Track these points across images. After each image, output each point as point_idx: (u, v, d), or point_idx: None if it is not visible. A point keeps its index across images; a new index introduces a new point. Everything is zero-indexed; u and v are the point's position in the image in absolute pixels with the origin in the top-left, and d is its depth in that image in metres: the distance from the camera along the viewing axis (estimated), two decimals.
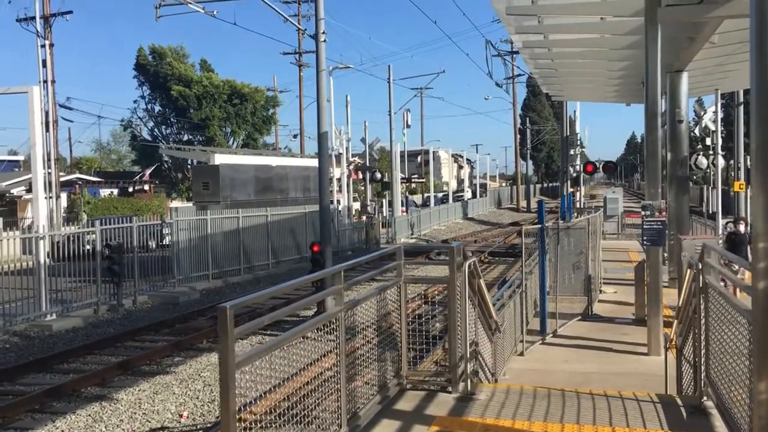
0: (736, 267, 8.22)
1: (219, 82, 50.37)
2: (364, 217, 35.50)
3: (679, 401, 5.91)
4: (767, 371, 3.73)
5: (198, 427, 9.52)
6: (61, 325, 15.50)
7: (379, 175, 37.96)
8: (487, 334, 7.66)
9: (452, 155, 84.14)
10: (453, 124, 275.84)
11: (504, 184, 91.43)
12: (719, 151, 23.35)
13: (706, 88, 20.97)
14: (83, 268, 17.14)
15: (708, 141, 24.02)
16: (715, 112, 22.94)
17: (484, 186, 75.45)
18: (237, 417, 3.37)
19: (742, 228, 13.72)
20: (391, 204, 39.87)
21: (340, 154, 36.13)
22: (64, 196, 41.32)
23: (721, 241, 16.52)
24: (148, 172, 51.86)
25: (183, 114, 50.25)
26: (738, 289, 5.69)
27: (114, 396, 10.56)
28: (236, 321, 3.36)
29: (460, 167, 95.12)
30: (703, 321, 5.58)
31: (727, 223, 26.15)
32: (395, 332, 5.94)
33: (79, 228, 20.17)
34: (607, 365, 9.37)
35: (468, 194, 68.46)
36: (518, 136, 71.39)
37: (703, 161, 23.83)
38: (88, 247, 18.02)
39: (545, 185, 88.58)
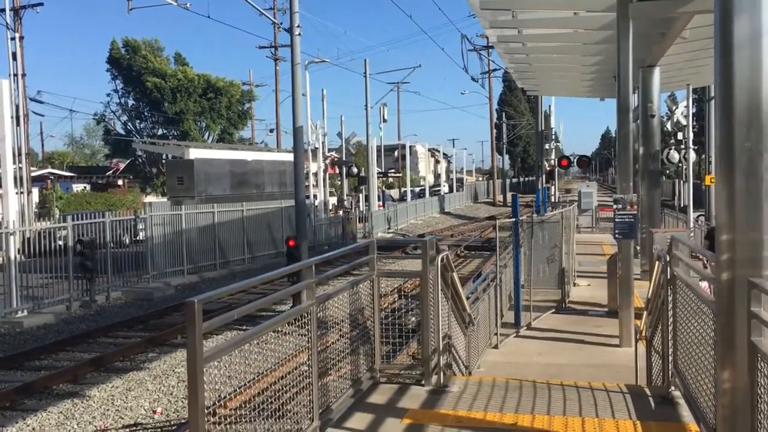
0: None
1: (194, 76, 49.90)
2: (340, 212, 35.47)
3: (647, 391, 6.01)
4: (730, 361, 3.81)
5: (172, 423, 9.46)
6: (32, 322, 15.29)
7: (355, 170, 37.93)
8: (460, 327, 7.71)
9: (429, 150, 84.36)
10: (430, 119, 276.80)
11: (481, 179, 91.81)
12: (691, 145, 23.66)
13: (677, 83, 21.26)
14: (55, 264, 16.92)
15: (680, 135, 24.35)
16: (687, 107, 23.24)
17: (460, 180, 75.69)
18: (206, 412, 3.36)
19: None
20: (367, 198, 39.84)
21: (317, 148, 36.04)
22: (35, 191, 40.70)
23: (692, 235, 16.77)
24: (121, 165, 51.29)
25: (157, 108, 49.73)
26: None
27: (86, 393, 10.46)
28: (209, 316, 3.33)
29: (437, 162, 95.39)
30: (671, 312, 5.66)
31: (698, 216, 26.56)
32: (368, 326, 5.95)
33: (51, 223, 19.88)
34: (580, 357, 9.49)
35: (445, 189, 68.66)
36: (494, 131, 71.72)
37: (675, 155, 24.14)
38: (60, 242, 17.78)
39: (518, 180, 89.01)
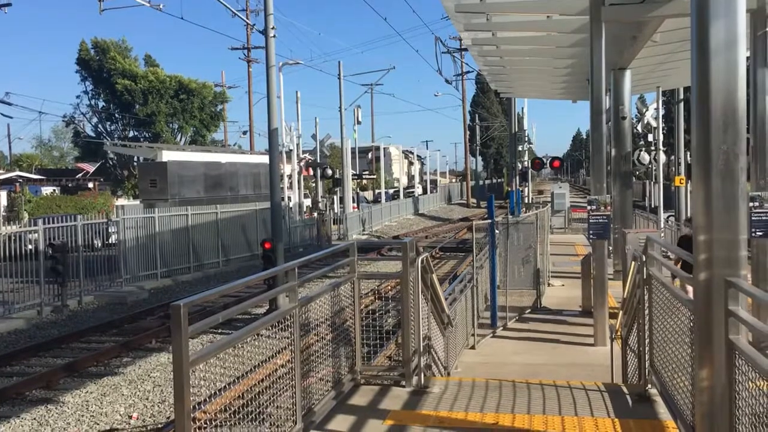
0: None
1: (165, 77, 49.35)
2: (315, 214, 35.37)
3: (624, 389, 6.10)
4: (708, 359, 3.89)
5: (149, 428, 9.37)
6: (2, 328, 15.03)
7: (330, 172, 37.86)
8: (439, 328, 7.76)
9: (403, 151, 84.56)
10: (403, 121, 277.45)
11: (454, 180, 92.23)
12: (661, 147, 24.09)
13: (648, 86, 21.56)
14: (25, 269, 16.64)
15: (650, 137, 24.76)
16: (657, 109, 23.64)
17: (434, 182, 75.98)
18: (191, 416, 3.34)
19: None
20: (342, 200, 39.83)
21: (291, 150, 35.90)
22: (3, 194, 40.02)
23: (663, 235, 17.01)
24: (90, 168, 50.53)
25: (128, 110, 49.10)
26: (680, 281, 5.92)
27: (60, 399, 10.31)
28: (188, 319, 3.32)
29: (411, 163, 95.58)
30: (646, 311, 5.76)
31: (668, 216, 27.01)
32: (349, 328, 5.96)
33: (20, 227, 19.55)
34: (556, 357, 9.59)
35: (419, 190, 68.85)
36: (468, 133, 72.10)
37: (645, 157, 24.54)
38: (30, 246, 17.49)
39: (492, 181, 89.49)
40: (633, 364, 6.80)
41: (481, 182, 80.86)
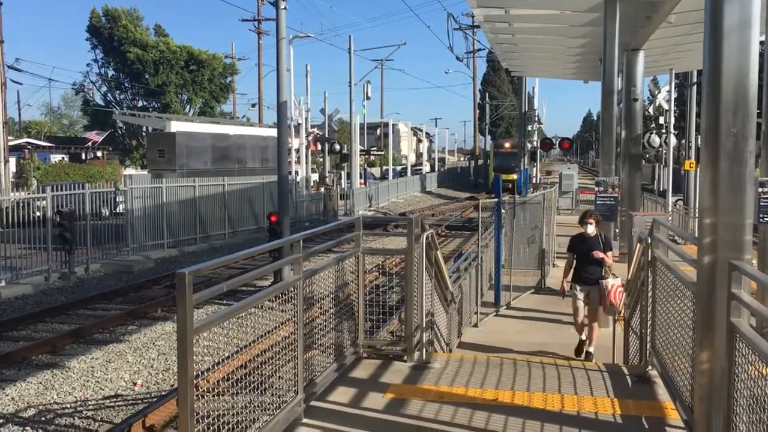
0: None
1: (176, 48, 49.14)
2: (322, 189, 35.39)
3: (625, 370, 6.13)
4: (709, 341, 3.90)
5: (152, 395, 9.49)
6: (10, 293, 15.17)
7: (338, 147, 37.80)
8: (442, 304, 7.79)
9: (411, 128, 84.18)
10: (413, 97, 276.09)
11: (462, 159, 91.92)
12: (672, 130, 23.94)
13: (661, 68, 21.38)
14: (33, 235, 16.75)
15: (661, 120, 24.59)
16: (669, 92, 23.45)
17: (442, 160, 75.77)
18: (194, 383, 3.38)
19: (590, 229, 8.78)
20: (349, 176, 39.78)
21: (299, 124, 35.83)
22: (12, 160, 40.10)
23: (670, 219, 16.93)
24: (98, 137, 50.58)
25: (138, 79, 48.99)
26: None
27: (66, 364, 10.43)
28: (193, 288, 3.34)
29: (419, 141, 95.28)
30: (650, 294, 5.77)
31: (676, 200, 26.91)
32: (353, 302, 6.00)
33: (28, 194, 19.63)
34: (558, 337, 9.62)
35: (426, 168, 68.69)
36: (477, 111, 71.71)
37: (655, 140, 24.40)
38: (38, 213, 17.58)
39: None
40: (634, 346, 6.83)
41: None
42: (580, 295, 8.66)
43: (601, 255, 8.56)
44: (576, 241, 8.89)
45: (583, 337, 8.66)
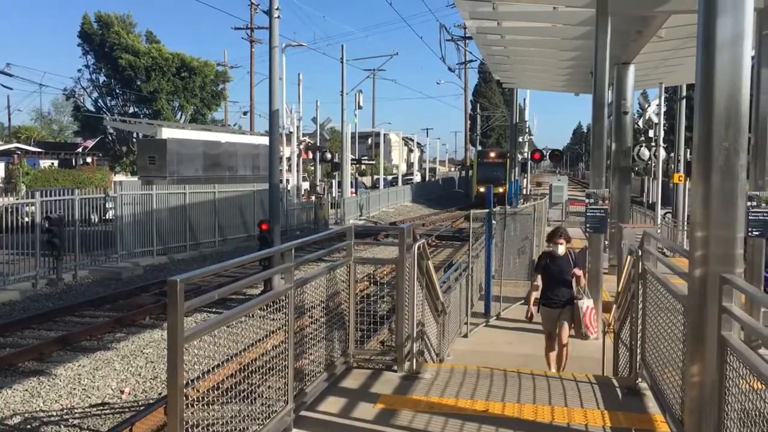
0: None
1: (168, 55, 49.08)
2: (313, 198, 35.34)
3: (615, 382, 6.13)
4: (700, 355, 3.91)
5: (140, 403, 9.41)
6: None
7: (329, 156, 37.78)
8: (433, 315, 7.78)
9: (403, 138, 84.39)
10: (404, 107, 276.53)
11: (453, 169, 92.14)
12: (661, 143, 24.08)
13: (651, 82, 21.51)
14: (21, 241, 16.62)
15: (651, 133, 24.73)
16: (659, 105, 23.60)
17: (433, 170, 75.90)
18: (183, 392, 3.36)
19: (561, 249, 8.39)
20: (340, 185, 39.77)
21: (291, 133, 35.80)
22: (1, 165, 39.91)
23: (659, 231, 17.01)
24: (90, 143, 50.35)
25: (129, 86, 48.86)
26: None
27: (52, 371, 10.33)
28: (184, 296, 3.32)
29: (410, 150, 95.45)
30: (640, 306, 5.78)
31: (665, 213, 27.06)
32: (343, 311, 5.98)
33: (17, 199, 19.50)
34: None
35: (417, 177, 68.78)
36: (468, 122, 71.97)
37: (645, 152, 24.52)
38: (26, 219, 17.45)
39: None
40: (624, 358, 6.83)
41: None
42: (551, 327, 8.45)
43: (579, 273, 8.33)
44: (544, 261, 8.45)
45: (553, 369, 8.18)
